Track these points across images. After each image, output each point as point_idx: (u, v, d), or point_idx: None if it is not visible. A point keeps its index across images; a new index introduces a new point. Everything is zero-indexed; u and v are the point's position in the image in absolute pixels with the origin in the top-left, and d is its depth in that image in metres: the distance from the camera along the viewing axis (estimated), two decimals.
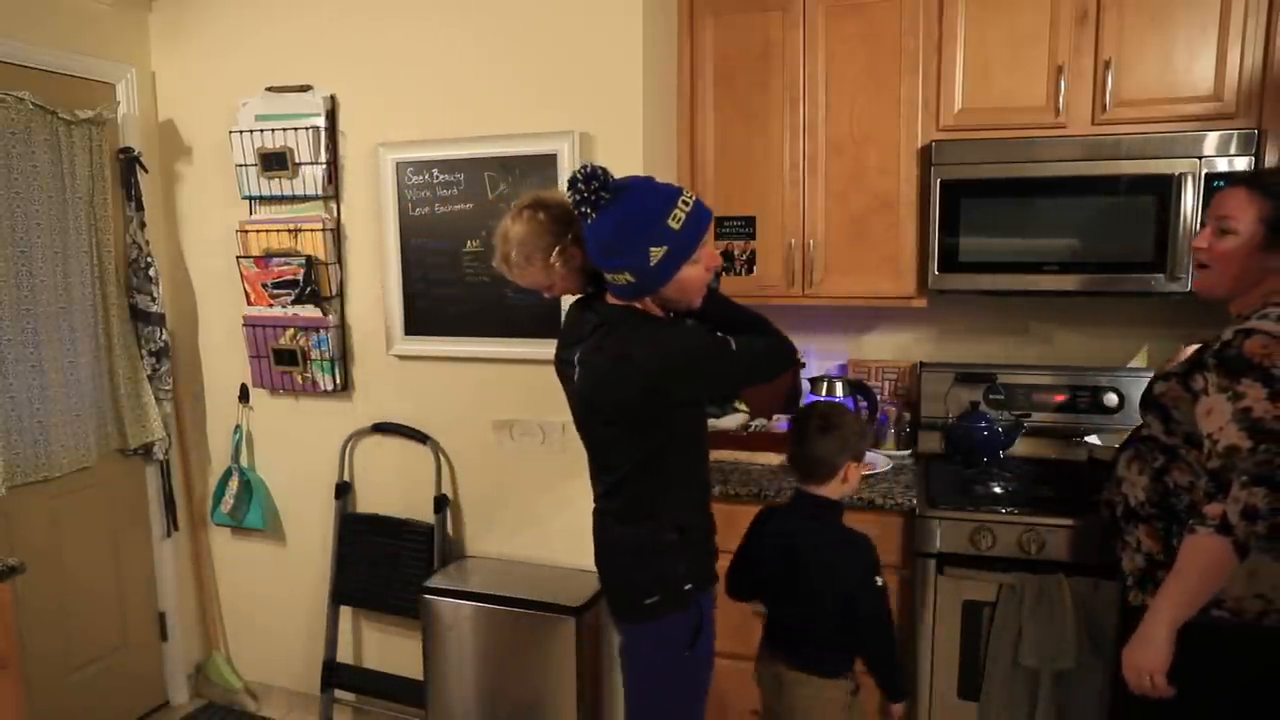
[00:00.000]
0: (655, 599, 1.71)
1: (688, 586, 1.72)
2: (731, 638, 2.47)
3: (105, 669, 2.90)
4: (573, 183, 1.58)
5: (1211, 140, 2.24)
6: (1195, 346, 1.73)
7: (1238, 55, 2.25)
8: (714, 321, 1.77)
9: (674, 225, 1.57)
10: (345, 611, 2.94)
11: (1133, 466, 1.75)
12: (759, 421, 2.82)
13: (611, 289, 1.68)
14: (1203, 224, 1.69)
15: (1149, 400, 1.73)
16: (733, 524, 2.46)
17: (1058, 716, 2.17)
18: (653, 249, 1.56)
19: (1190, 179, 2.24)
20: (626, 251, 1.58)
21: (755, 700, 2.39)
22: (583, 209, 1.59)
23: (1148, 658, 1.55)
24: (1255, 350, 1.48)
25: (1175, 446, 1.65)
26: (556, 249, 1.71)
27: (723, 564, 1.91)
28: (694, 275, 1.63)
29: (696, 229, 1.60)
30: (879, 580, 1.84)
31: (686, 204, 1.59)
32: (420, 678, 2.64)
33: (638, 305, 1.68)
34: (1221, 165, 2.23)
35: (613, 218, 1.58)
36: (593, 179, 1.57)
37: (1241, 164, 2.22)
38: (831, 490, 1.89)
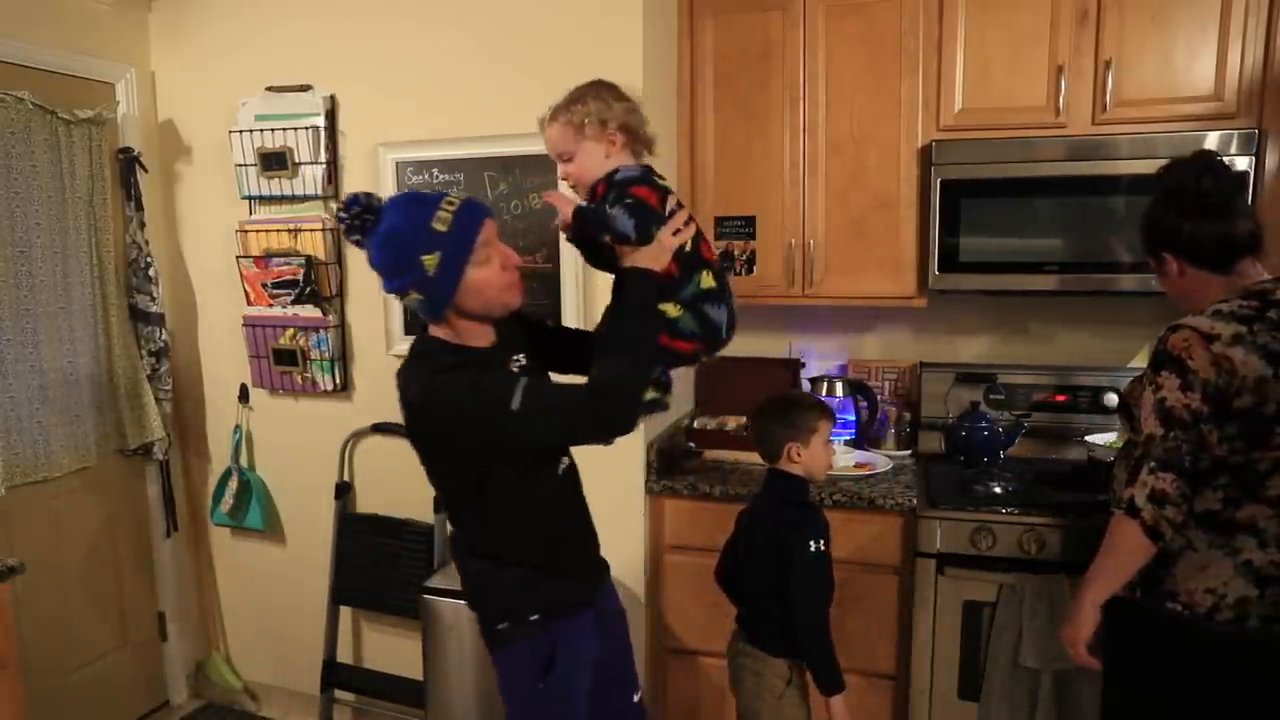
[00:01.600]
0: (505, 626, 1.64)
1: (534, 617, 1.63)
2: (725, 639, 2.46)
3: (105, 669, 2.90)
4: (338, 214, 1.54)
5: (1212, 140, 2.24)
6: None
7: (1238, 55, 2.25)
8: (616, 313, 1.61)
9: (440, 227, 1.48)
10: (345, 611, 2.94)
11: (1119, 463, 1.80)
12: None
13: (432, 301, 1.54)
14: None
15: (1124, 400, 1.83)
16: (733, 524, 2.46)
17: (1058, 717, 2.16)
18: (424, 258, 1.48)
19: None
20: (403, 268, 1.49)
21: None
22: (353, 238, 1.54)
23: (1070, 631, 1.71)
24: (1176, 344, 1.59)
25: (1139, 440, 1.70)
26: (595, 116, 1.62)
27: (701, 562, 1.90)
28: (488, 277, 1.52)
29: (468, 227, 1.50)
30: (814, 546, 1.86)
31: (451, 204, 1.51)
32: (420, 678, 2.64)
33: (444, 335, 1.58)
34: None
35: (378, 235, 1.51)
36: (354, 204, 1.51)
37: (1242, 164, 2.21)
38: (791, 466, 1.96)
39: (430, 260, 1.48)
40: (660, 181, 1.63)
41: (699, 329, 1.60)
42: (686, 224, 1.61)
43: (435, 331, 1.60)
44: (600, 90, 1.67)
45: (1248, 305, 1.60)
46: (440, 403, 1.50)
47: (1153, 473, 1.56)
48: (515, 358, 1.66)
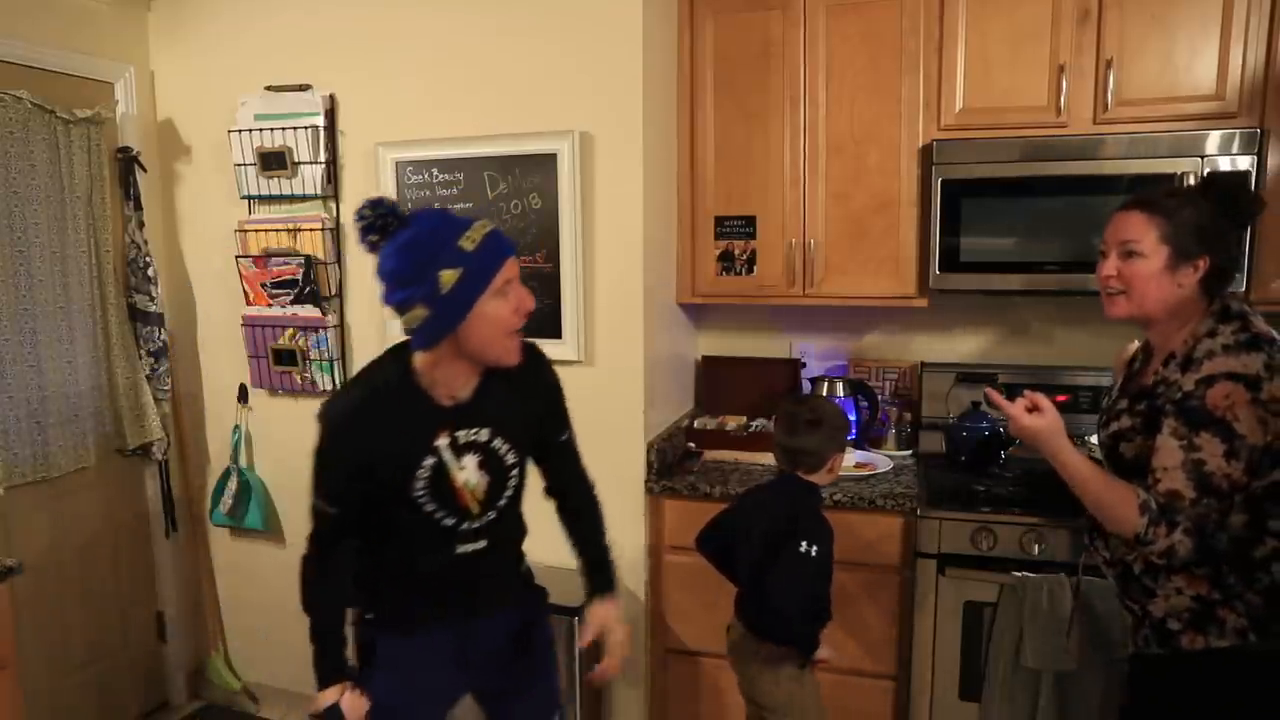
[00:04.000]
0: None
1: (368, 615, 1.72)
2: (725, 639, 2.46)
3: (105, 669, 2.90)
4: (359, 211, 1.47)
5: (1214, 139, 2.23)
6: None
7: (1240, 54, 2.25)
8: None
9: (467, 245, 1.42)
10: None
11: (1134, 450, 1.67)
12: (759, 421, 2.81)
13: (433, 321, 1.45)
14: (1100, 253, 1.69)
15: (1125, 464, 1.67)
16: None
17: (1059, 717, 2.16)
18: (444, 272, 1.40)
19: (1192, 178, 2.23)
20: (417, 278, 1.41)
21: None
22: (370, 238, 1.47)
23: (1033, 433, 1.65)
24: (1218, 403, 1.49)
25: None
26: None
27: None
28: (499, 313, 1.45)
29: (496, 253, 1.45)
30: (804, 547, 1.87)
31: (483, 227, 1.46)
32: None
33: (419, 364, 1.51)
34: (1224, 164, 2.22)
35: (399, 240, 1.44)
36: (379, 204, 1.45)
37: (1244, 163, 2.21)
38: (819, 478, 1.98)
39: (449, 276, 1.40)
40: None
41: None
42: None
43: (415, 359, 1.52)
44: None
45: (1235, 328, 1.54)
46: (319, 433, 1.52)
47: (1186, 533, 1.50)
48: (470, 431, 1.55)
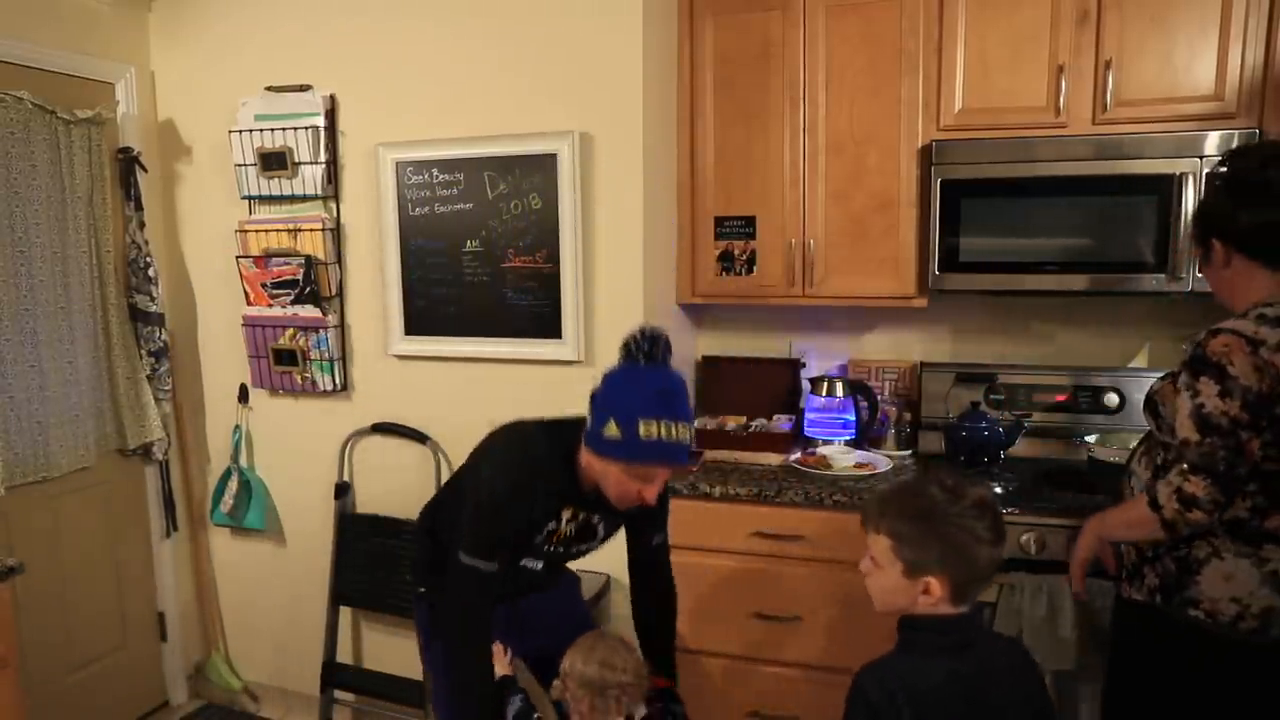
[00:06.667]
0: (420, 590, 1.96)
1: (421, 589, 1.95)
2: (725, 639, 2.46)
3: (105, 669, 2.90)
4: (644, 332, 1.68)
5: (1212, 140, 2.23)
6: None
7: (1239, 55, 2.25)
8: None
9: (642, 434, 1.62)
10: (345, 611, 2.94)
11: (1142, 461, 1.77)
12: (759, 421, 2.81)
13: (590, 435, 1.67)
14: None
15: (1148, 398, 1.78)
16: (733, 524, 2.45)
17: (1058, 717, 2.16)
18: (613, 419, 1.62)
19: (1191, 179, 2.24)
20: (598, 410, 1.65)
21: (754, 700, 2.40)
22: (644, 348, 1.66)
23: (1075, 551, 1.84)
24: (1216, 349, 1.55)
25: (1170, 443, 1.66)
26: None
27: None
28: (616, 483, 1.67)
29: (651, 457, 1.64)
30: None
31: (688, 429, 1.68)
32: (420, 678, 2.64)
33: (581, 456, 1.72)
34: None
35: (676, 375, 1.68)
36: (658, 337, 1.69)
37: None
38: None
39: (609, 429, 1.61)
40: None
41: None
42: None
43: (580, 452, 1.73)
44: None
45: None
46: (488, 466, 1.76)
47: (1183, 475, 1.53)
48: (586, 513, 1.81)
